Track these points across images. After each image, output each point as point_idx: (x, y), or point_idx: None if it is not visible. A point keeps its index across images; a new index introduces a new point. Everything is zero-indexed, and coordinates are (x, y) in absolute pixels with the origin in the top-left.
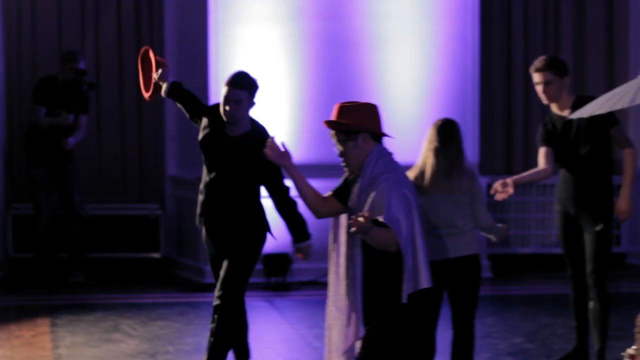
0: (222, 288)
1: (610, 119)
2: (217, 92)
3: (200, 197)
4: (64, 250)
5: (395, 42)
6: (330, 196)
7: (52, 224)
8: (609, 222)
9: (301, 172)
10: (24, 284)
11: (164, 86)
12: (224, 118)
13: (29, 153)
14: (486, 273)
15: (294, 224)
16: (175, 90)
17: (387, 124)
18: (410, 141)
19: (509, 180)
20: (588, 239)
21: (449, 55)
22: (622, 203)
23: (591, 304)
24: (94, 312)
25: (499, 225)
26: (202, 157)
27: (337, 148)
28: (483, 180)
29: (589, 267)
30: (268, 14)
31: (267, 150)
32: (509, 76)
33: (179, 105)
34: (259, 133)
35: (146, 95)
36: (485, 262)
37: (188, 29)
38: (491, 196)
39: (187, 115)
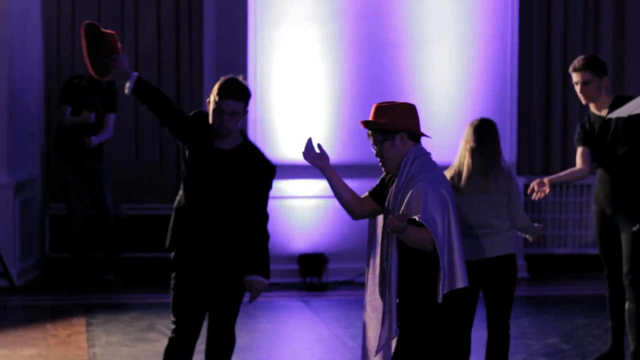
0: (221, 335)
1: None
2: (256, 94)
3: (179, 218)
4: (98, 249)
5: (434, 42)
6: (366, 197)
7: (86, 224)
8: None
9: (338, 173)
10: (60, 284)
11: (128, 83)
12: (218, 131)
13: (57, 153)
14: (522, 273)
15: (259, 257)
16: (144, 90)
17: (426, 124)
18: (449, 141)
19: (546, 179)
20: (625, 239)
21: (488, 56)
22: None
23: (627, 305)
24: (130, 312)
25: (536, 225)
26: (186, 174)
27: (374, 148)
28: (520, 181)
29: (625, 268)
30: (307, 15)
31: (304, 152)
32: (548, 76)
33: (146, 106)
34: (252, 146)
35: (95, 74)
36: (521, 263)
37: (227, 30)
38: (528, 196)
39: (159, 119)
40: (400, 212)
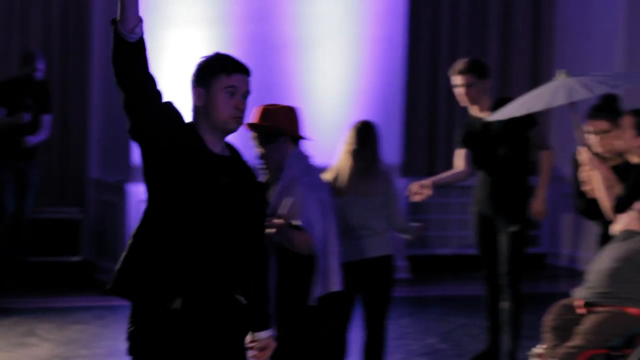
0: None
1: (529, 121)
2: None
3: (178, 259)
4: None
5: (323, 45)
6: None
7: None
8: (525, 223)
9: None
10: None
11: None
12: (227, 124)
13: None
14: (405, 274)
15: (260, 301)
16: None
17: (314, 126)
18: (337, 143)
19: (427, 181)
20: (503, 240)
21: (376, 59)
22: (538, 204)
23: (504, 305)
24: (10, 317)
25: (414, 224)
26: (172, 194)
27: (257, 150)
28: (405, 182)
29: (503, 268)
30: (196, 17)
31: None
32: (434, 79)
33: (132, 66)
34: (237, 149)
35: None
36: (403, 263)
37: None
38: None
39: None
40: (281, 216)
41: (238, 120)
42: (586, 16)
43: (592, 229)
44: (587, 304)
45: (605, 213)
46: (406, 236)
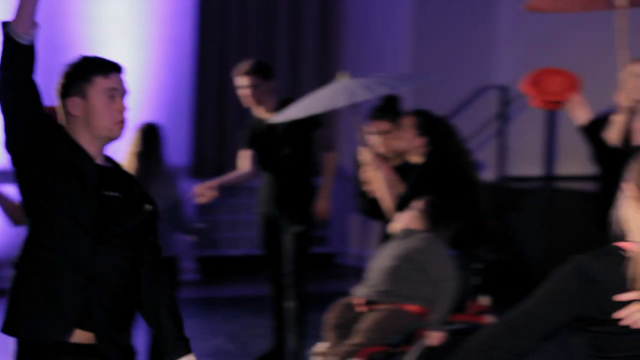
0: None
1: (313, 122)
2: None
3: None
4: None
5: (111, 45)
6: None
7: None
8: (309, 223)
9: None
10: None
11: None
12: (111, 130)
13: None
14: (194, 276)
15: (171, 323)
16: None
17: None
18: (122, 145)
19: (212, 183)
20: (287, 240)
21: (164, 59)
22: (321, 205)
23: (289, 304)
24: None
25: (200, 225)
26: (53, 212)
27: None
28: (194, 183)
29: (287, 268)
30: None
31: None
32: (224, 80)
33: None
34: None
35: None
36: (192, 265)
37: None
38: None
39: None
40: None
41: (122, 125)
42: (373, 18)
43: (379, 228)
44: (367, 302)
45: (386, 212)
46: (192, 238)
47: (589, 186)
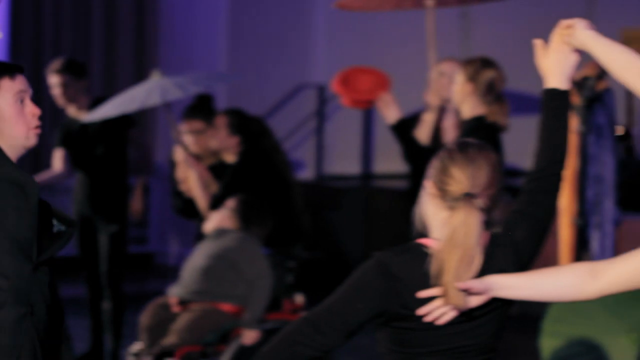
0: None
1: (126, 121)
2: None
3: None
4: None
5: None
6: None
7: None
8: (124, 223)
9: None
10: None
11: None
12: (27, 139)
13: None
14: None
15: None
16: None
17: None
18: None
19: None
20: (103, 240)
21: None
22: (136, 203)
23: (105, 304)
24: None
25: None
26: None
27: None
28: None
29: (103, 268)
30: None
31: None
32: (39, 80)
33: None
34: None
35: None
36: None
37: None
38: None
39: None
40: None
41: (38, 131)
42: (189, 17)
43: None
44: (182, 302)
45: (201, 212)
46: None
47: (405, 184)
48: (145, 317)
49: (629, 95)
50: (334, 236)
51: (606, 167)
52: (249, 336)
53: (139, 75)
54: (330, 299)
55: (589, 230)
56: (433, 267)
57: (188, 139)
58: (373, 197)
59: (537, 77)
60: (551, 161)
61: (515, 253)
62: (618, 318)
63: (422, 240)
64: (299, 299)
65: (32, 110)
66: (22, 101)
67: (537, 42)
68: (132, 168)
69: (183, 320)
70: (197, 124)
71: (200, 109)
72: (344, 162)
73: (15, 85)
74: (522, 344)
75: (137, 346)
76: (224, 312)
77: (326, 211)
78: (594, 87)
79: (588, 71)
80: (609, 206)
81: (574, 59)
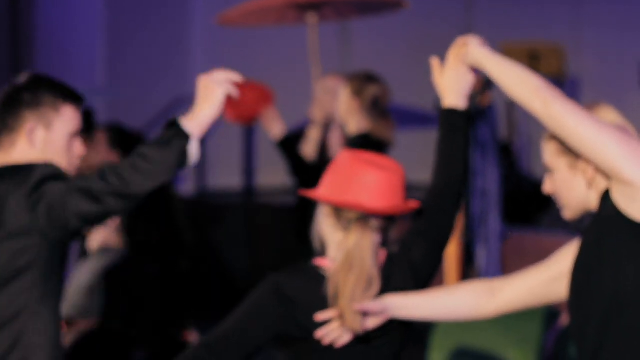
0: None
1: None
2: None
3: None
4: None
5: None
6: None
7: None
8: None
9: None
10: None
11: None
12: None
13: None
14: None
15: None
16: None
17: None
18: None
19: None
20: None
21: None
22: None
23: None
24: None
25: None
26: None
27: None
28: None
29: None
30: None
31: None
32: None
33: None
34: None
35: None
36: None
37: None
38: None
39: None
40: None
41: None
42: (66, 30)
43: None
44: (67, 321)
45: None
46: None
47: (288, 199)
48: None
49: (510, 108)
50: (217, 252)
51: (490, 181)
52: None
53: (15, 70)
54: (226, 322)
55: (475, 245)
56: (329, 290)
57: None
58: (255, 213)
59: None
60: (449, 180)
61: (413, 272)
62: (506, 331)
63: (319, 261)
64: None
65: (79, 152)
66: (75, 137)
67: (434, 61)
68: None
69: (68, 339)
70: None
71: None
72: (226, 176)
73: (76, 118)
74: (411, 357)
75: None
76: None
77: (208, 227)
78: (477, 101)
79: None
80: (494, 220)
81: (470, 77)
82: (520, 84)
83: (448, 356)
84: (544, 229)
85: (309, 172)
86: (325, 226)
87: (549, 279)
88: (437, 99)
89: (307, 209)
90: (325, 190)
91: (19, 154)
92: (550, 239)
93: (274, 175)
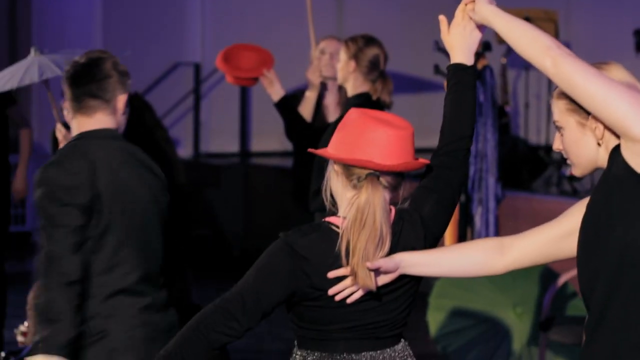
0: None
1: (6, 99)
2: None
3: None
4: None
5: None
6: None
7: None
8: (6, 201)
9: None
10: None
11: None
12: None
13: None
14: None
15: None
16: None
17: None
18: None
19: None
20: None
21: None
22: (18, 183)
23: None
24: None
25: None
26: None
27: None
28: None
29: None
30: None
31: None
32: None
33: None
34: None
35: None
36: None
37: None
38: None
39: None
40: None
41: None
42: None
43: None
44: None
45: None
46: None
47: (283, 162)
48: (32, 296)
49: (503, 72)
50: (213, 213)
51: (488, 144)
52: None
53: (12, 54)
54: (240, 284)
55: (472, 206)
56: (342, 247)
57: (68, 117)
58: (252, 175)
59: (413, 56)
60: (457, 136)
61: (423, 229)
62: (502, 292)
63: (331, 219)
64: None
65: None
66: None
67: (442, 18)
68: (13, 147)
69: None
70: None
71: None
72: (221, 140)
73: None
74: (411, 318)
75: (24, 325)
76: None
77: (205, 189)
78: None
79: None
80: (491, 182)
81: (477, 34)
82: (530, 42)
83: (446, 316)
84: (536, 192)
85: (307, 132)
86: (336, 184)
87: (558, 236)
88: (437, 65)
89: (304, 170)
90: (336, 148)
91: None
92: (542, 202)
93: (267, 140)
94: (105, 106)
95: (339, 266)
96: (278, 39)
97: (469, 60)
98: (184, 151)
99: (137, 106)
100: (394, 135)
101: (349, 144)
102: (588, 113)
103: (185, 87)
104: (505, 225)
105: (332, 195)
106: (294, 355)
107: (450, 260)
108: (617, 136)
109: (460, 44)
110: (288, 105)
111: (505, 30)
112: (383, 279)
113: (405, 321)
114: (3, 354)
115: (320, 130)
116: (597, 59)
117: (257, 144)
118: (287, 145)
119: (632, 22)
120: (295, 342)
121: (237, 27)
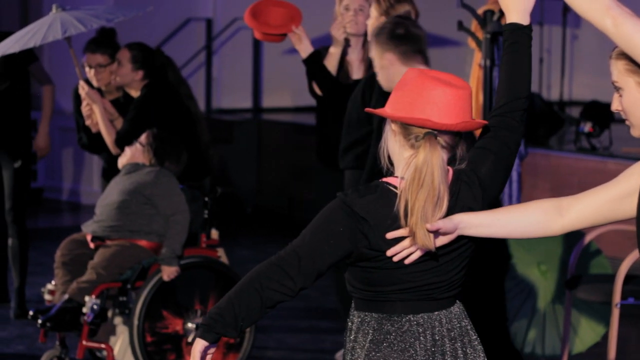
0: None
1: (28, 56)
2: None
3: None
4: None
5: None
6: None
7: None
8: (28, 158)
9: None
10: None
11: None
12: None
13: None
14: None
15: None
16: None
17: None
18: None
19: None
20: (7, 176)
21: None
22: (41, 140)
23: (10, 241)
24: None
25: None
26: None
27: None
28: None
29: (7, 204)
30: None
31: None
32: None
33: None
34: None
35: None
36: None
37: None
38: None
39: None
40: None
41: None
42: None
43: (94, 162)
44: (97, 238)
45: (109, 147)
46: None
47: (295, 118)
48: (60, 254)
49: None
50: (225, 170)
51: None
52: (168, 272)
53: (25, 13)
54: (296, 242)
55: None
56: (400, 207)
57: (91, 74)
58: (264, 131)
59: (433, 13)
60: (514, 97)
61: (481, 190)
62: (527, 250)
63: (389, 179)
64: (214, 233)
65: None
66: None
67: None
68: (35, 103)
69: (100, 256)
70: (101, 58)
71: (103, 43)
72: (233, 96)
73: None
74: None
75: (51, 284)
76: (141, 247)
77: (217, 145)
78: (499, 21)
79: (492, 5)
80: None
81: None
82: (590, 2)
83: None
84: (552, 148)
85: (337, 88)
86: (393, 144)
87: (617, 196)
88: (460, 21)
89: (331, 127)
90: (393, 107)
91: None
92: (561, 158)
93: (278, 97)
94: None
95: (398, 227)
96: None
97: (524, 20)
98: None
99: (161, 63)
100: (452, 95)
101: (407, 103)
102: None
103: (197, 43)
104: (527, 182)
105: (389, 157)
106: (351, 317)
107: (510, 220)
108: None
109: (516, 4)
110: (317, 61)
111: None
112: (442, 240)
113: (461, 282)
114: (31, 312)
115: (348, 87)
116: None
117: (270, 100)
118: (299, 102)
119: None
120: (353, 304)
121: None
